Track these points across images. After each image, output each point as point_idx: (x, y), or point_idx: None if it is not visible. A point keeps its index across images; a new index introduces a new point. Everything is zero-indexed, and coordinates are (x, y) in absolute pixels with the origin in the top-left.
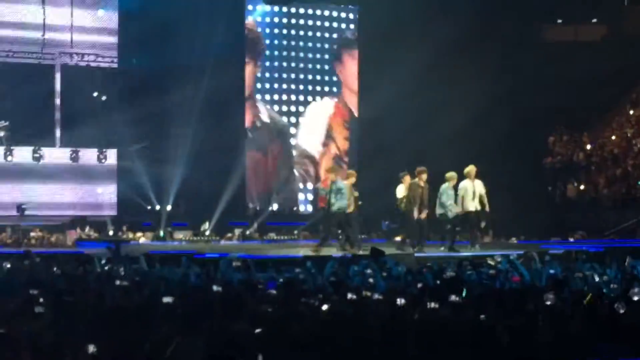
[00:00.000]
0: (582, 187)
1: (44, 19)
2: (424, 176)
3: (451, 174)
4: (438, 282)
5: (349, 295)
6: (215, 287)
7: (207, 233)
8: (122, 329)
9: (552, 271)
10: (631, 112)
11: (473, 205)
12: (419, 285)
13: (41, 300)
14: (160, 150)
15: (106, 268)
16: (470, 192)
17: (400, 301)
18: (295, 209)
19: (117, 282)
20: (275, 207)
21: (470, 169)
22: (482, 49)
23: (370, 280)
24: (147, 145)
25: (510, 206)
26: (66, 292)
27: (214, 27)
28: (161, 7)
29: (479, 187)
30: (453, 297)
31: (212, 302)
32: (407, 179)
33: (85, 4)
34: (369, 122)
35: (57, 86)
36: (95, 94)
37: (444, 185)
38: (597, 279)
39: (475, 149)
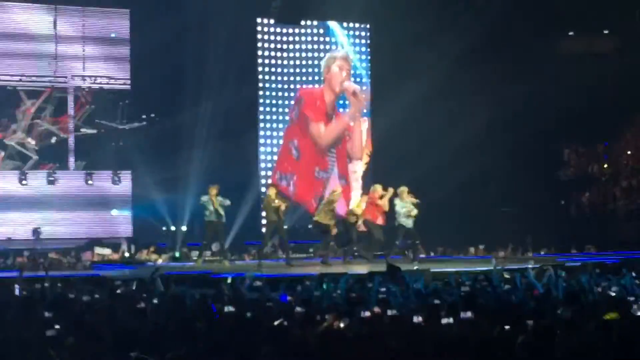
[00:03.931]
0: (597, 198)
1: (56, 42)
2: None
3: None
4: (454, 297)
5: (366, 313)
6: (227, 308)
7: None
8: (139, 351)
9: (566, 284)
10: None
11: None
12: (435, 301)
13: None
14: (174, 170)
15: (119, 290)
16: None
17: (417, 318)
18: (310, 226)
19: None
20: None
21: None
22: (494, 62)
23: (386, 296)
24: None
25: (525, 219)
26: (82, 315)
27: (226, 47)
28: (172, 29)
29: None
30: (468, 314)
31: (229, 323)
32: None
33: (97, 28)
34: (382, 138)
35: (70, 109)
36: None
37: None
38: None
39: (488, 162)
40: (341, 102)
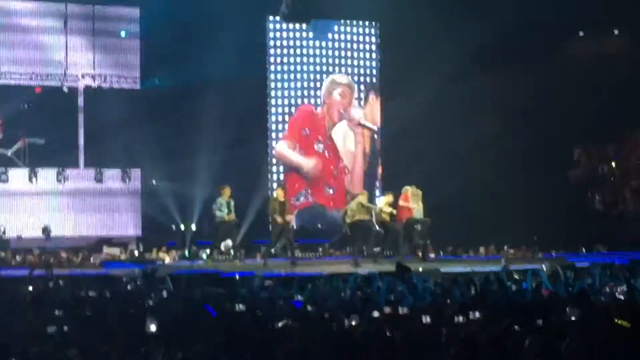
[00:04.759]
0: (607, 199)
1: (67, 42)
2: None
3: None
4: (464, 297)
5: (375, 313)
6: (238, 307)
7: (232, 252)
8: (151, 349)
9: (577, 284)
10: None
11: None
12: (445, 301)
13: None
14: (184, 169)
15: (129, 287)
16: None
17: (425, 318)
18: (319, 226)
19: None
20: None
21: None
22: (505, 62)
23: (395, 296)
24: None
25: (535, 219)
26: (92, 314)
27: (235, 45)
28: (182, 27)
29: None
30: (477, 314)
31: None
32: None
33: (107, 27)
34: (392, 137)
35: (80, 107)
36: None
37: None
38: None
39: (499, 162)
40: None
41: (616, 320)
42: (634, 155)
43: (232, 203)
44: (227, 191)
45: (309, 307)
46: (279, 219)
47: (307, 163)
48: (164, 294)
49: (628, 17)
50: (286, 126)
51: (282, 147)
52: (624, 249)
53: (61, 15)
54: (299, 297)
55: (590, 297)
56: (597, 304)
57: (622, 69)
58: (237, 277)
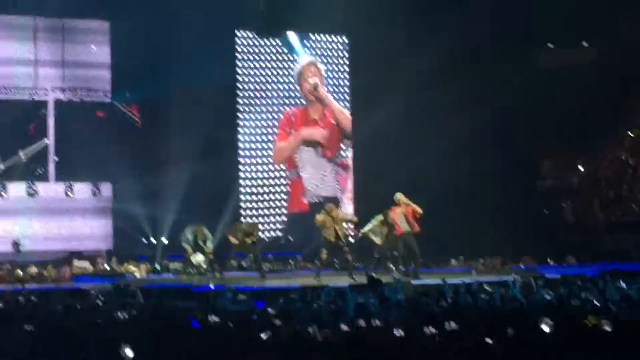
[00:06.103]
0: (577, 210)
1: (36, 55)
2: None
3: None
4: (435, 309)
5: (345, 327)
6: (211, 318)
7: (204, 266)
8: None
9: (548, 296)
10: (630, 134)
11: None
12: (417, 313)
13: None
14: (155, 183)
15: (99, 302)
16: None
17: (398, 332)
18: (290, 238)
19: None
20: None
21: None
22: (474, 73)
23: (367, 309)
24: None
25: (505, 231)
26: (62, 327)
27: (205, 59)
28: (153, 40)
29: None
30: (453, 325)
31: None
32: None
33: (77, 39)
34: (361, 149)
35: (51, 121)
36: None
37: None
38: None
39: (467, 174)
40: None
41: (587, 321)
42: (602, 166)
43: (207, 237)
44: (200, 230)
45: (278, 321)
46: (233, 240)
47: (315, 133)
48: (135, 307)
49: (597, 30)
50: (256, 144)
51: (279, 146)
52: (594, 260)
53: (30, 28)
54: (270, 310)
55: (563, 307)
56: (570, 313)
57: (590, 80)
58: (212, 288)
